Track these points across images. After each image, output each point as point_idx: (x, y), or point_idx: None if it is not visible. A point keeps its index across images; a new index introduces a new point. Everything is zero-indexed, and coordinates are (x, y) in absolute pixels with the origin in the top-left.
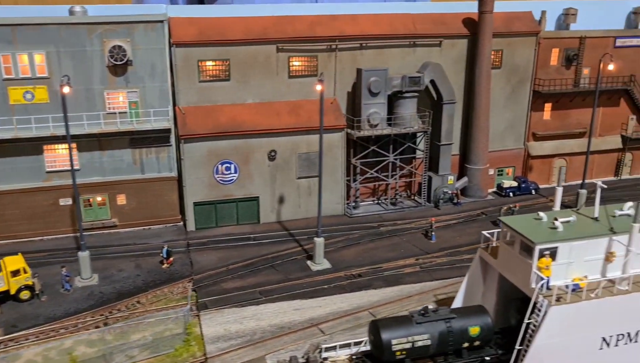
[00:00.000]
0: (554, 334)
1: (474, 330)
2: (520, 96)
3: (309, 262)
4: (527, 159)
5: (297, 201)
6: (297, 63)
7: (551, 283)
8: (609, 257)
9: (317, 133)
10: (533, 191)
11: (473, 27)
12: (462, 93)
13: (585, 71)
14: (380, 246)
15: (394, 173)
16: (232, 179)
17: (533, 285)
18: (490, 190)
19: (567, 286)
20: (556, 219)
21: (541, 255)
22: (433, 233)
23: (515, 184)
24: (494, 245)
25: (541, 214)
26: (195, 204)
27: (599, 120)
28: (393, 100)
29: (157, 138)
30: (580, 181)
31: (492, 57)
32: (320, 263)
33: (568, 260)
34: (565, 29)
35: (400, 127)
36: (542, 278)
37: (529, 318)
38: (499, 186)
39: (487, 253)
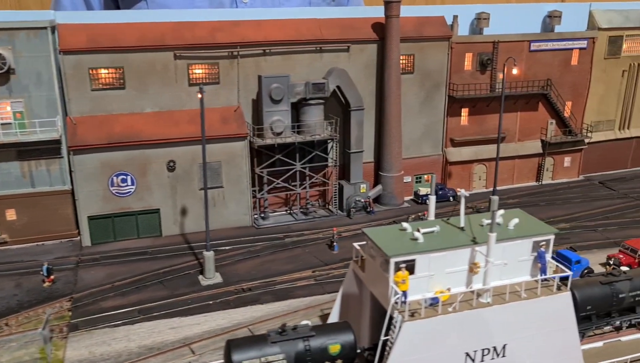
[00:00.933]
0: (410, 351)
1: (334, 348)
2: (435, 102)
3: (200, 277)
4: (445, 166)
5: (200, 212)
6: (198, 71)
7: (410, 298)
8: (472, 268)
9: (219, 142)
10: (451, 197)
11: (382, 32)
12: (374, 99)
13: (500, 76)
14: (280, 258)
15: (303, 182)
16: (130, 192)
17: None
18: (407, 198)
19: (424, 300)
20: (418, 230)
21: (397, 268)
22: (335, 243)
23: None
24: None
25: (405, 224)
26: (90, 218)
27: (518, 125)
28: (299, 107)
29: (46, 150)
30: (501, 187)
31: (404, 62)
32: (211, 278)
33: (428, 273)
34: (479, 33)
35: (306, 135)
36: (397, 293)
37: (385, 335)
38: (416, 194)
39: (358, 266)
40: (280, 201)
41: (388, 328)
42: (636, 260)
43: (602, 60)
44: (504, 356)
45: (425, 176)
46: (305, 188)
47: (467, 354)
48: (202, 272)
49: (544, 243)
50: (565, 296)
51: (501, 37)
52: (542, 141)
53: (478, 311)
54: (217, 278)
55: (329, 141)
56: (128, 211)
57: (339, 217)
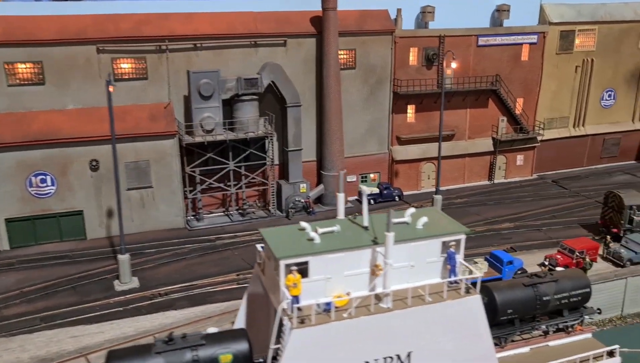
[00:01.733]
0: (300, 360)
1: (226, 358)
2: (379, 98)
3: (115, 282)
4: (392, 164)
5: (128, 214)
6: (124, 65)
7: (303, 303)
8: (374, 271)
9: (147, 140)
10: (397, 197)
11: (319, 26)
12: (314, 95)
13: (448, 72)
14: (207, 260)
15: (238, 181)
16: (50, 193)
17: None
18: (352, 198)
19: (317, 306)
20: (316, 230)
21: (288, 271)
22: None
23: (376, 190)
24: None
25: (304, 224)
26: (8, 220)
27: (468, 122)
28: (232, 104)
29: None
30: (452, 186)
31: (345, 57)
32: (127, 282)
33: (324, 276)
34: (424, 27)
35: (239, 132)
36: (287, 297)
37: (275, 343)
38: (360, 193)
39: (260, 269)
40: (217, 201)
41: (278, 336)
42: (574, 261)
43: (554, 55)
44: None
45: (372, 175)
46: (240, 187)
47: None
48: (118, 277)
49: (453, 243)
50: (474, 300)
51: (447, 31)
52: (494, 138)
53: (376, 317)
54: (134, 283)
55: (265, 138)
56: (49, 213)
57: (277, 218)
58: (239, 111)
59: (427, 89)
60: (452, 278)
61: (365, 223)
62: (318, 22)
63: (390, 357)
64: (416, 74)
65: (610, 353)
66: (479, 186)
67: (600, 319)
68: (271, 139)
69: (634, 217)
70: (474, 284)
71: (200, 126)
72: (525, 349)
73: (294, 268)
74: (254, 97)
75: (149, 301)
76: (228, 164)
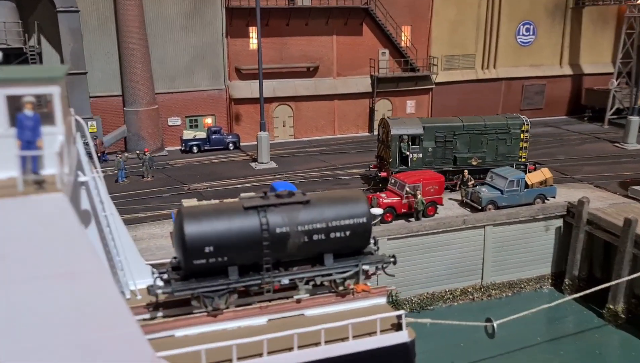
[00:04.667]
0: None
1: None
2: (207, 16)
3: None
4: (230, 105)
5: None
6: None
7: None
8: None
9: None
10: (231, 144)
11: None
12: (111, 5)
13: None
14: None
15: None
16: None
17: None
18: (174, 148)
19: None
20: None
21: None
22: None
23: (203, 135)
24: None
25: None
26: None
27: (335, 53)
28: None
29: None
30: (318, 137)
31: None
32: None
33: None
34: None
35: None
36: None
37: None
38: (182, 140)
39: None
40: None
41: None
42: (403, 200)
43: None
44: None
45: (205, 119)
46: None
47: None
48: None
49: (31, 100)
50: (51, 200)
51: None
52: (372, 76)
53: None
54: None
55: (25, 54)
56: None
57: None
58: None
59: (274, 3)
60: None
61: None
62: None
63: None
64: None
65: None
66: (354, 137)
67: (450, 289)
68: (37, 57)
69: (408, 153)
70: None
71: None
72: (260, 320)
73: None
74: None
75: None
76: None
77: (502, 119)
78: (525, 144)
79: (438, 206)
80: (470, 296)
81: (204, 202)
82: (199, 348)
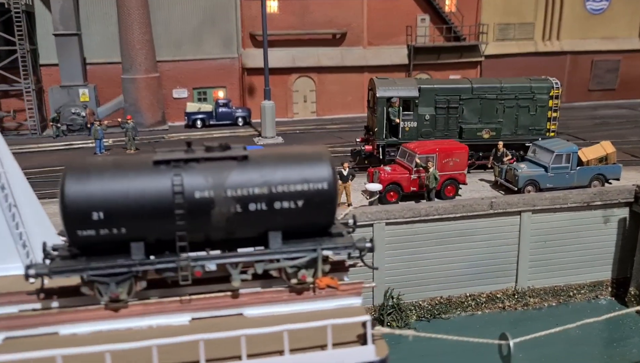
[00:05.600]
0: None
1: None
2: None
3: None
4: (243, 76)
5: None
6: None
7: None
8: None
9: None
10: (240, 119)
11: None
12: None
13: None
14: None
15: None
16: None
17: None
18: (179, 123)
19: None
20: None
21: None
22: None
23: (209, 108)
24: None
25: None
26: None
27: (366, 19)
28: None
29: None
30: (343, 115)
31: None
32: None
33: None
34: None
35: None
36: None
37: None
38: (186, 114)
39: None
40: None
41: None
42: (412, 174)
43: None
44: None
45: (215, 92)
46: None
47: None
48: None
49: None
50: None
51: None
52: (410, 46)
53: None
54: None
55: (9, 12)
56: None
57: (39, 137)
58: None
59: None
60: None
61: None
62: None
63: None
64: None
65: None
66: None
67: (472, 294)
68: (22, 15)
69: (398, 121)
70: None
71: None
72: (180, 318)
73: None
74: None
75: None
76: None
77: (525, 81)
78: (554, 114)
79: (460, 185)
80: (500, 304)
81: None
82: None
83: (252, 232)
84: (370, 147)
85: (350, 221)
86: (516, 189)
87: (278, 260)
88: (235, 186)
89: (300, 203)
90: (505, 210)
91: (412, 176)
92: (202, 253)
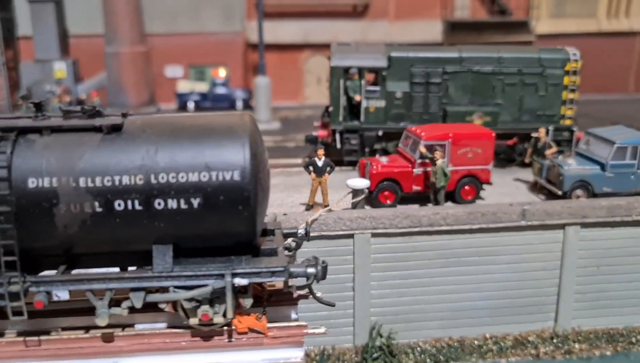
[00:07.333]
0: None
1: None
2: None
3: None
4: (247, 52)
5: None
6: None
7: None
8: None
9: None
10: (240, 101)
11: None
12: None
13: None
14: None
15: None
16: None
17: None
18: (173, 106)
19: None
20: None
21: None
22: None
23: (204, 88)
24: None
25: None
26: None
27: None
28: None
29: None
30: None
31: None
32: None
33: None
34: None
35: None
36: None
37: None
38: (177, 95)
39: None
40: None
41: None
42: (414, 166)
43: None
44: None
45: (216, 71)
46: None
47: None
48: None
49: None
50: None
51: None
52: (444, 21)
53: None
54: None
55: None
56: None
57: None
58: None
59: None
60: None
61: None
62: None
63: None
64: None
65: None
66: None
67: (494, 335)
68: None
69: (358, 99)
70: None
71: None
72: None
73: None
74: None
75: None
76: None
77: (532, 51)
78: (572, 96)
79: (483, 185)
80: (533, 350)
81: None
82: None
83: (124, 244)
84: (325, 133)
85: (301, 231)
86: (560, 193)
87: (167, 289)
88: (91, 172)
89: (196, 201)
90: (543, 222)
91: (414, 170)
92: (51, 273)
